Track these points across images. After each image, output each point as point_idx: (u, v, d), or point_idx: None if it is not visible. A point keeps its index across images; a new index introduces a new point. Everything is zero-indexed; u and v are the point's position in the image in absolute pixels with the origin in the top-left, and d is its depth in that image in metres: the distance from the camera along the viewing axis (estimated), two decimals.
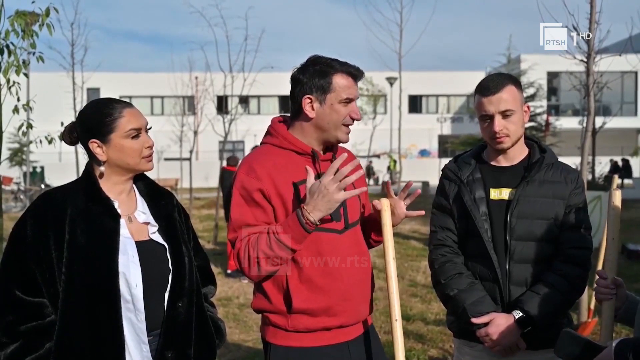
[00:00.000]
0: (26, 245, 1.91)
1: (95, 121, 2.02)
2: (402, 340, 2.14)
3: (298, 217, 2.07)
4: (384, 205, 2.22)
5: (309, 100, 2.19)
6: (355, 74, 2.22)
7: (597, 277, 2.16)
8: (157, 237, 2.09)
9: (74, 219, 1.94)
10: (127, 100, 2.18)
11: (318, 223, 2.08)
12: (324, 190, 2.05)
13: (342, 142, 2.28)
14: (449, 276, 2.41)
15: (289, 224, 2.09)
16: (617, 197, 2.22)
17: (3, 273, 1.94)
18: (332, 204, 2.06)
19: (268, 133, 2.32)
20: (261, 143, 2.34)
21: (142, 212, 2.10)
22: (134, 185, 2.15)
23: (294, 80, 2.23)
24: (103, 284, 1.92)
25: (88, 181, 2.03)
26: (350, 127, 2.25)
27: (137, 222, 2.07)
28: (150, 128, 2.10)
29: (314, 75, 2.18)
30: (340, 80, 2.18)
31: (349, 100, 2.20)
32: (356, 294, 2.24)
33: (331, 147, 2.32)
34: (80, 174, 2.11)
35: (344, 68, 2.20)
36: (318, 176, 2.20)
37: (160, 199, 2.17)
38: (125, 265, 1.95)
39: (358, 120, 2.26)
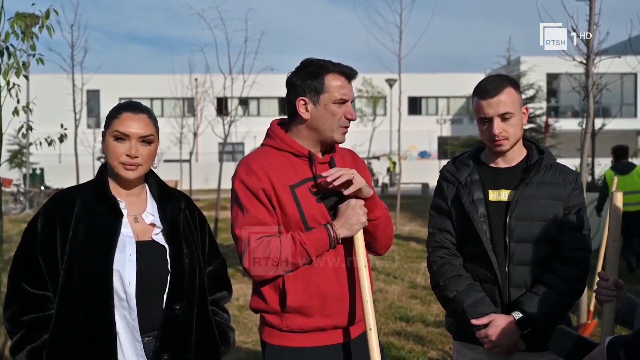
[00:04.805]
0: (35, 241, 2.02)
1: (107, 115, 2.11)
2: (378, 349, 2.12)
3: (328, 231, 2.15)
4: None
5: (303, 102, 2.21)
6: (348, 73, 2.23)
7: (597, 278, 2.17)
8: (159, 239, 2.11)
9: (79, 217, 2.03)
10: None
11: (340, 241, 2.17)
12: (350, 212, 2.15)
13: (339, 143, 2.28)
14: (447, 278, 2.41)
15: (316, 236, 2.14)
16: (619, 199, 2.20)
17: (14, 266, 2.05)
18: (357, 226, 2.16)
19: (267, 135, 2.33)
20: (261, 145, 2.36)
21: (151, 213, 2.14)
22: (146, 187, 2.19)
23: (288, 84, 2.25)
24: (97, 279, 1.98)
25: (98, 181, 2.12)
26: (347, 127, 2.25)
27: (143, 223, 2.11)
28: (151, 139, 2.08)
29: (307, 77, 2.20)
30: (333, 81, 2.19)
31: (342, 101, 2.20)
32: (352, 295, 2.23)
33: (330, 149, 2.32)
34: (79, 177, 2.15)
35: (337, 68, 2.21)
36: (314, 178, 2.21)
37: (168, 202, 2.19)
38: (120, 263, 2.00)
39: (353, 120, 2.26)
